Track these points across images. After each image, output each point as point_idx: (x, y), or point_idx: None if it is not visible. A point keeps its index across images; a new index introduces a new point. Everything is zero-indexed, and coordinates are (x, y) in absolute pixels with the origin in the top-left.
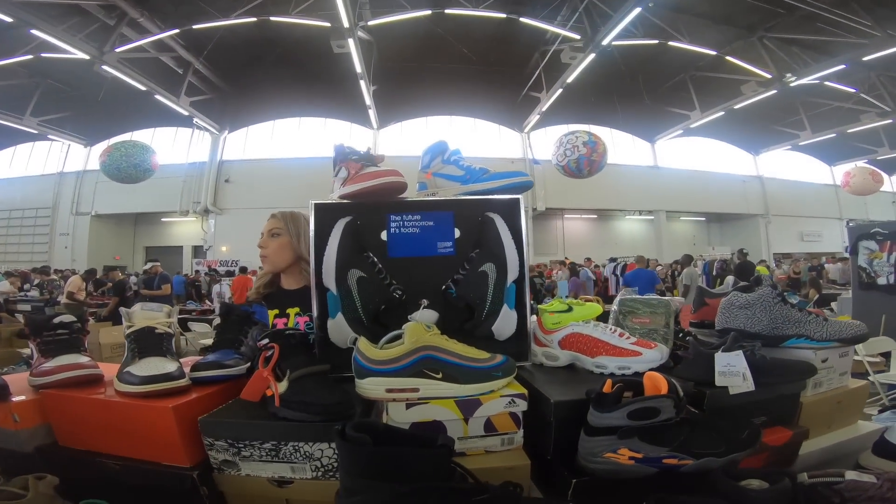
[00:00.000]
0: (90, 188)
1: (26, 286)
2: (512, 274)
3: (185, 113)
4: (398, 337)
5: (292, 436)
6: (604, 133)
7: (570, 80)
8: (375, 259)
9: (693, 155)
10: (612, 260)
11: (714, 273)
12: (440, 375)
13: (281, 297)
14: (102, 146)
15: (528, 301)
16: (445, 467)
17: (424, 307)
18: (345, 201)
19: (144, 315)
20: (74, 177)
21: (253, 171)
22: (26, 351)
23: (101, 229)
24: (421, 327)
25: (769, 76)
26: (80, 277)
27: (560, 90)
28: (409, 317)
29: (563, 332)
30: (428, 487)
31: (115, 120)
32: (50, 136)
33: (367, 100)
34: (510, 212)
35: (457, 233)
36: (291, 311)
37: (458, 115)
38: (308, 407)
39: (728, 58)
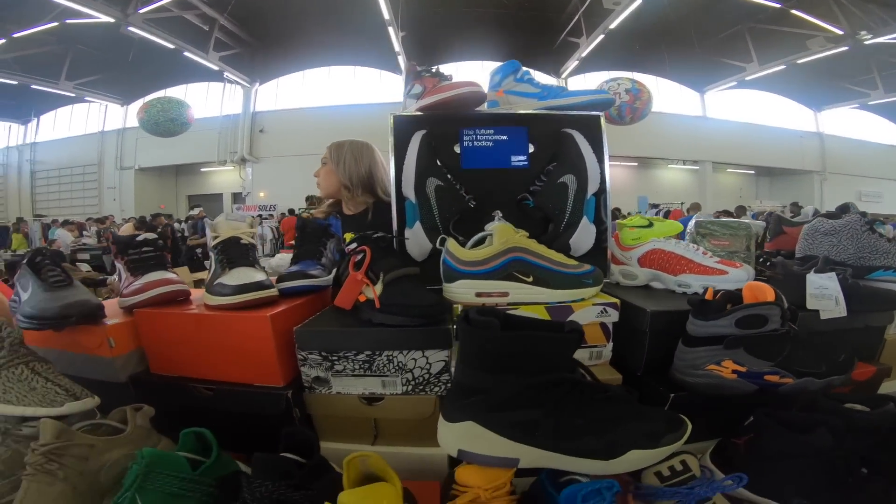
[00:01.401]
0: (131, 144)
1: (85, 232)
2: (592, 186)
3: (216, 68)
4: (482, 241)
5: (388, 344)
6: (649, 81)
7: (612, 26)
8: (449, 171)
9: (746, 107)
10: (654, 206)
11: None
12: (531, 279)
13: (342, 222)
14: (139, 104)
15: (609, 216)
16: (572, 358)
17: (499, 219)
18: (419, 114)
19: (230, 225)
20: (115, 134)
21: (286, 121)
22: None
23: (146, 181)
24: (510, 228)
25: (840, 32)
26: (133, 225)
27: (602, 36)
28: (485, 227)
29: (643, 249)
30: (558, 379)
31: (148, 79)
32: (87, 98)
33: (397, 46)
34: (591, 127)
35: (530, 147)
36: (347, 236)
37: (491, 60)
38: (408, 309)
39: (794, 11)
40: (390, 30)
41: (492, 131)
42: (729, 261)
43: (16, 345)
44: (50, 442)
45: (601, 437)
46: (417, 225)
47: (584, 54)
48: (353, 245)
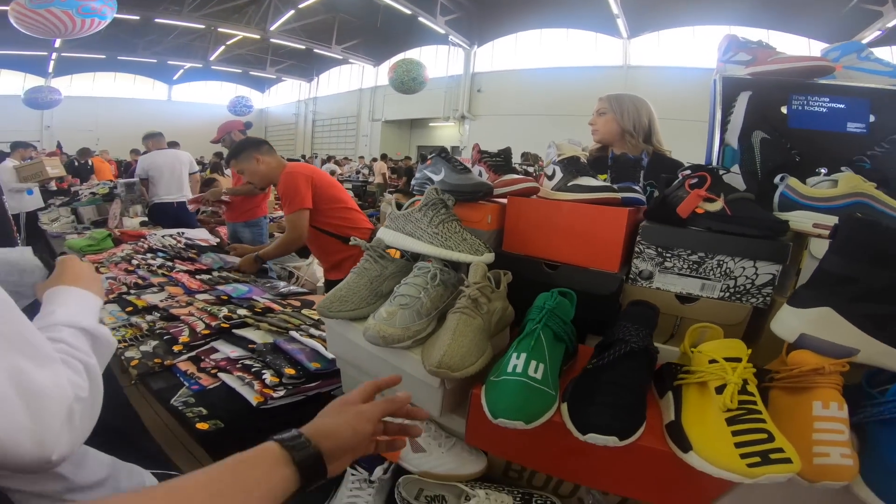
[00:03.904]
0: (380, 100)
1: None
2: None
3: (442, 31)
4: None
5: (725, 249)
6: None
7: None
8: (774, 127)
9: None
10: None
11: None
12: None
13: (605, 165)
14: (385, 66)
15: None
16: None
17: (824, 175)
18: (746, 78)
19: (570, 147)
20: (369, 92)
21: (500, 82)
22: None
23: (388, 132)
24: (858, 178)
25: None
26: (384, 163)
27: None
28: (806, 180)
29: None
30: None
31: (391, 43)
32: (350, 60)
33: (615, 8)
34: None
35: (872, 118)
36: (601, 176)
37: (741, 24)
38: (755, 221)
39: None
40: None
41: (827, 99)
42: None
43: (451, 206)
44: (479, 282)
45: None
46: (736, 167)
47: (890, 24)
48: (688, 171)
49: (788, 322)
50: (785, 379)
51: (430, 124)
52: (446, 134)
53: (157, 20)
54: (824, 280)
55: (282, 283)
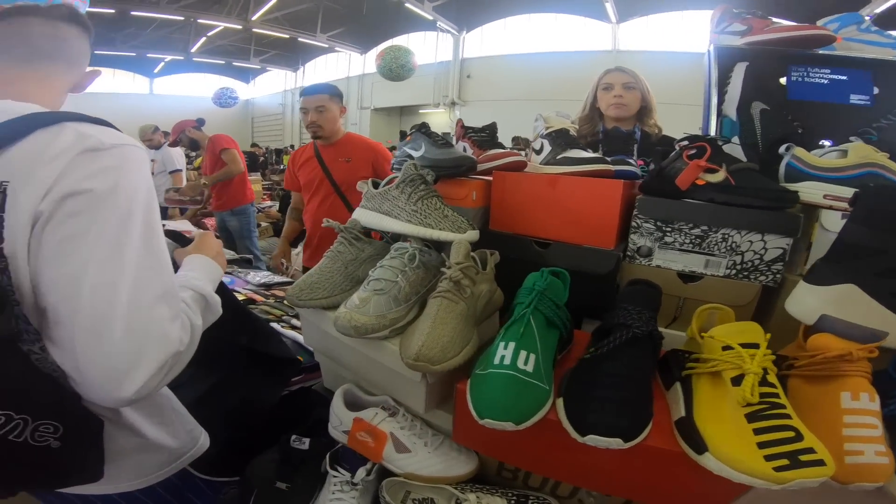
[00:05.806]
0: (369, 88)
1: None
2: None
3: (430, 18)
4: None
5: (730, 221)
6: None
7: None
8: (773, 98)
9: None
10: None
11: None
12: None
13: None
14: (372, 54)
15: None
16: None
17: (829, 147)
18: (742, 48)
19: (559, 120)
20: (357, 80)
21: (489, 67)
22: None
23: (378, 119)
24: (869, 147)
25: None
26: None
27: None
28: (811, 152)
29: None
30: None
31: (378, 30)
32: (336, 49)
33: None
34: None
35: (875, 90)
36: None
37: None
38: (759, 192)
39: None
40: None
41: (828, 70)
42: None
43: (431, 182)
44: (462, 262)
45: None
46: (735, 139)
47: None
48: (686, 142)
49: (807, 301)
50: (806, 367)
51: (421, 111)
52: (437, 120)
53: (133, 13)
54: (846, 253)
55: (263, 273)
